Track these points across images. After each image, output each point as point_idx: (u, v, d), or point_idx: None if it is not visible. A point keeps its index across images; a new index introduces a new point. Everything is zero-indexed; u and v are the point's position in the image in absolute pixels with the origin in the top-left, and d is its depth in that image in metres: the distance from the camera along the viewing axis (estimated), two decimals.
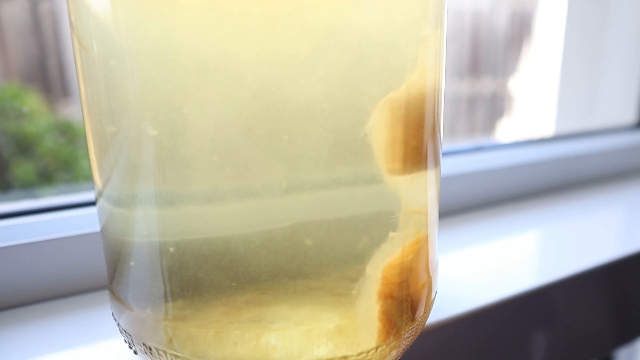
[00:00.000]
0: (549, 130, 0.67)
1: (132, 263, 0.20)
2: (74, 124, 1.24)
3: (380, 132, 0.18)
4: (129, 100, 0.17)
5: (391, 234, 0.19)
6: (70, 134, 1.22)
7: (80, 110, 0.20)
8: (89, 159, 0.21)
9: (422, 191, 0.20)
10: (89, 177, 1.21)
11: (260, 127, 0.17)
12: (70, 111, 1.28)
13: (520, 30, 1.56)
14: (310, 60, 0.17)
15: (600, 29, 0.62)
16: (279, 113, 0.17)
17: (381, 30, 0.17)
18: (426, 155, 0.20)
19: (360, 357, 0.19)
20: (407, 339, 0.21)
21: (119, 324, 0.21)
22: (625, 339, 0.38)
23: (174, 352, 0.20)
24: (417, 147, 0.19)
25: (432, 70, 0.20)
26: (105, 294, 0.29)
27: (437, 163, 0.21)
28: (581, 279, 0.33)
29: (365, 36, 0.17)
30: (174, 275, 0.19)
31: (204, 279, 0.18)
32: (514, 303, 0.30)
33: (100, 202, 0.21)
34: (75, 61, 0.20)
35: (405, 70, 0.18)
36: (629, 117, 0.60)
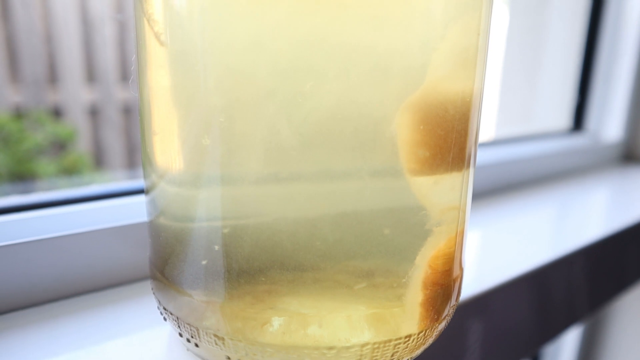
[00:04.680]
0: (488, 135, 0.72)
1: (189, 247, 0.20)
2: None
3: (426, 136, 0.20)
4: (201, 92, 0.18)
5: (436, 228, 0.21)
6: None
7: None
8: (143, 145, 0.21)
9: (463, 189, 0.22)
10: None
11: (311, 130, 0.18)
12: None
13: None
14: (344, 70, 0.18)
15: (537, 42, 0.67)
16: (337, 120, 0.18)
17: (406, 43, 0.18)
18: (469, 155, 0.22)
19: (406, 340, 0.21)
20: (446, 321, 0.22)
21: (169, 312, 0.22)
22: (549, 337, 0.40)
23: (228, 337, 0.20)
24: (461, 148, 0.21)
25: (468, 74, 0.21)
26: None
27: (475, 162, 0.23)
28: (516, 284, 0.34)
29: (392, 49, 0.18)
30: (229, 260, 0.19)
31: (259, 266, 0.19)
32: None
33: (158, 189, 0.21)
34: (140, 50, 0.20)
35: (445, 76, 0.20)
36: (563, 123, 0.66)
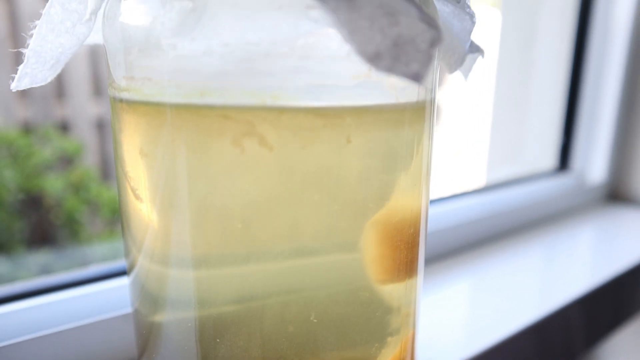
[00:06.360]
0: (479, 181, 0.73)
1: (160, 344, 0.22)
2: None
3: (374, 251, 0.22)
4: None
5: (389, 339, 0.23)
6: None
7: None
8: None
9: (412, 296, 0.24)
10: None
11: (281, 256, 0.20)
12: None
13: None
14: (314, 204, 0.20)
15: (525, 82, 0.68)
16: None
17: (359, 177, 0.20)
18: (416, 265, 0.24)
19: None
20: None
21: None
22: None
23: None
24: (412, 259, 0.23)
25: (411, 197, 0.23)
26: None
27: (422, 268, 0.25)
28: (506, 344, 0.34)
29: (349, 184, 0.20)
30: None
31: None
32: None
33: (132, 278, 0.23)
34: (122, 202, 0.22)
35: (387, 203, 0.22)
36: (549, 163, 0.67)
